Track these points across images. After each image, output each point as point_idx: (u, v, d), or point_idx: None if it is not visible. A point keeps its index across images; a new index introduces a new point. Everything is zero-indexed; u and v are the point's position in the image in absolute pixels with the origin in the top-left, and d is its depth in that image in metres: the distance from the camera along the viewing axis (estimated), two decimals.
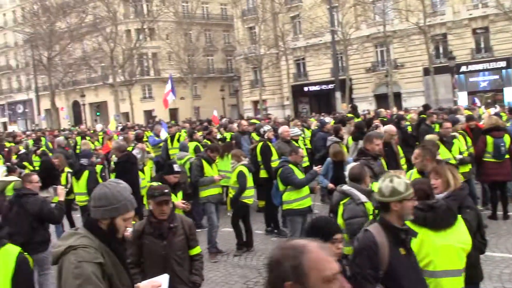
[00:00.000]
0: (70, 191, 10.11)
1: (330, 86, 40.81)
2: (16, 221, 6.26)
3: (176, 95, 23.67)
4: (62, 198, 7.03)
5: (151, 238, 4.76)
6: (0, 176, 10.83)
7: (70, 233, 3.21)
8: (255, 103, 49.73)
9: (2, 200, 8.43)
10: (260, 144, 10.79)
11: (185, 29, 49.62)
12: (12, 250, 3.16)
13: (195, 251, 4.92)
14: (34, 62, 46.12)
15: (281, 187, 7.99)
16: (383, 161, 7.45)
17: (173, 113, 55.21)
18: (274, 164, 10.00)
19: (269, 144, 10.75)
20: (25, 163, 13.43)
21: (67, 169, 10.25)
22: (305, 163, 10.91)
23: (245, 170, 9.09)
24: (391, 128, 9.39)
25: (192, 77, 48.24)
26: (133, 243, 4.73)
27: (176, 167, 6.49)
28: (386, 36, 38.19)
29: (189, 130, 15.43)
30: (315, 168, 8.33)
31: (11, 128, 43.46)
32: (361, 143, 9.22)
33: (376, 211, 4.23)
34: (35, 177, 6.92)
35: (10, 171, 9.55)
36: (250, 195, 9.24)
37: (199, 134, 14.63)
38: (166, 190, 4.80)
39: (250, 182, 9.18)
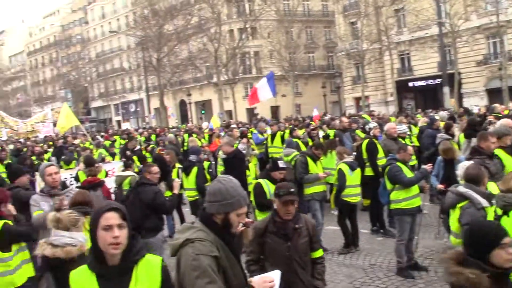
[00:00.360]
0: (180, 187, 10.62)
1: (437, 81, 38.96)
2: (130, 208, 6.45)
3: (276, 93, 23.49)
4: (176, 191, 7.31)
5: (274, 237, 4.59)
6: (117, 171, 11.64)
7: (186, 226, 3.33)
8: (357, 99, 48.83)
9: (119, 194, 9.06)
10: (366, 141, 10.55)
11: (286, 27, 49.85)
12: (155, 261, 3.03)
13: (318, 253, 4.70)
14: (144, 63, 48.71)
15: (389, 185, 7.75)
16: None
17: (275, 110, 55.85)
18: (381, 162, 9.75)
19: (375, 141, 10.48)
20: (134, 158, 14.20)
21: (177, 165, 10.74)
22: (413, 161, 10.51)
23: (345, 168, 8.94)
24: (508, 122, 8.74)
25: (293, 75, 48.41)
26: (254, 240, 4.54)
27: (281, 164, 6.52)
28: (499, 27, 35.71)
29: (291, 127, 15.50)
30: (425, 166, 7.98)
31: (124, 126, 46.33)
32: (474, 140, 8.73)
33: (499, 212, 3.96)
34: (155, 169, 7.22)
35: (126, 166, 10.15)
36: (353, 194, 9.05)
37: (300, 132, 14.63)
38: (292, 189, 4.61)
39: (353, 180, 9.00)
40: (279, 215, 4.59)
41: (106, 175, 10.65)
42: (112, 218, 2.85)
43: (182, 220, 11.10)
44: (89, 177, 8.27)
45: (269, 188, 6.41)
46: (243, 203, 3.30)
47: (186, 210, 11.59)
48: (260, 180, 6.51)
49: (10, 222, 5.61)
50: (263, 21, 50.03)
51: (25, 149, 19.39)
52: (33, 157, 15.26)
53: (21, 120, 25.68)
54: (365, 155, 10.37)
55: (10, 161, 14.59)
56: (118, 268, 2.87)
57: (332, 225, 10.29)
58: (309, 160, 9.09)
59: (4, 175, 12.36)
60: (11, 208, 5.79)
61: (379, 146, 10.34)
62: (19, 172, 7.26)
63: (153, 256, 3.04)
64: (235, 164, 8.89)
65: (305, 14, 57.28)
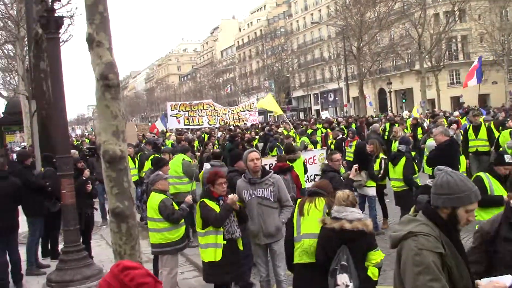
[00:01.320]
0: (383, 177, 10.54)
1: None
2: None
3: (481, 80, 21.48)
4: (352, 176, 7.89)
5: (510, 246, 3.57)
6: (318, 159, 11.95)
7: (409, 218, 3.22)
8: None
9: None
10: None
11: (501, 7, 45.27)
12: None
13: None
14: (344, 52, 48.87)
15: None
16: None
17: (483, 99, 51.25)
18: None
19: None
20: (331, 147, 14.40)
21: (381, 155, 10.57)
22: None
23: None
24: None
25: (507, 59, 43.81)
26: (479, 248, 3.70)
27: (507, 158, 5.87)
28: None
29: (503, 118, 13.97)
30: None
31: (323, 115, 47.13)
32: None
33: None
34: (336, 156, 8.17)
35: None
36: None
37: None
38: None
39: None
40: None
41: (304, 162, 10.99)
42: None
43: (384, 211, 10.86)
44: (279, 162, 9.12)
45: (490, 182, 5.84)
46: (473, 199, 3.07)
47: (387, 201, 11.36)
48: (481, 174, 5.96)
49: (208, 202, 6.19)
50: (473, 2, 46.13)
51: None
52: (243, 143, 16.41)
53: (229, 108, 27.68)
54: None
55: (217, 148, 15.96)
56: None
57: None
58: None
59: None
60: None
61: None
62: (239, 156, 7.92)
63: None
64: (448, 153, 8.29)
65: None
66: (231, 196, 6.28)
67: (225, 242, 6.14)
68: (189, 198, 7.45)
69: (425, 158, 10.77)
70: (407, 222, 3.19)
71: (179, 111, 24.57)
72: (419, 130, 17.88)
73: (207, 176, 6.57)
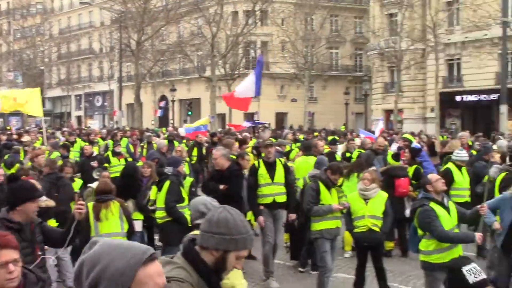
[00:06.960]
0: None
1: (493, 96, 38.88)
2: None
3: (260, 92, 21.74)
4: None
5: None
6: None
7: (165, 260, 3.27)
8: (388, 112, 48.65)
9: None
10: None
11: (307, 13, 49.87)
12: None
13: None
14: (120, 46, 48.62)
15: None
16: None
17: (280, 117, 55.78)
18: None
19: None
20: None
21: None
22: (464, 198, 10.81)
23: None
24: None
25: (309, 74, 48.23)
26: None
27: None
28: None
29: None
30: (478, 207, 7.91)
31: (91, 124, 45.87)
32: None
33: None
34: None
35: None
36: None
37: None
38: None
39: None
40: None
41: None
42: None
43: None
44: None
45: None
46: (248, 245, 3.32)
47: None
48: None
49: None
50: (277, 4, 50.05)
51: None
52: None
53: None
54: None
55: None
56: None
57: None
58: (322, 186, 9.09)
59: None
60: None
61: None
62: None
63: None
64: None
65: None
66: None
67: None
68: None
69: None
70: (162, 264, 3.21)
71: None
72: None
73: None
